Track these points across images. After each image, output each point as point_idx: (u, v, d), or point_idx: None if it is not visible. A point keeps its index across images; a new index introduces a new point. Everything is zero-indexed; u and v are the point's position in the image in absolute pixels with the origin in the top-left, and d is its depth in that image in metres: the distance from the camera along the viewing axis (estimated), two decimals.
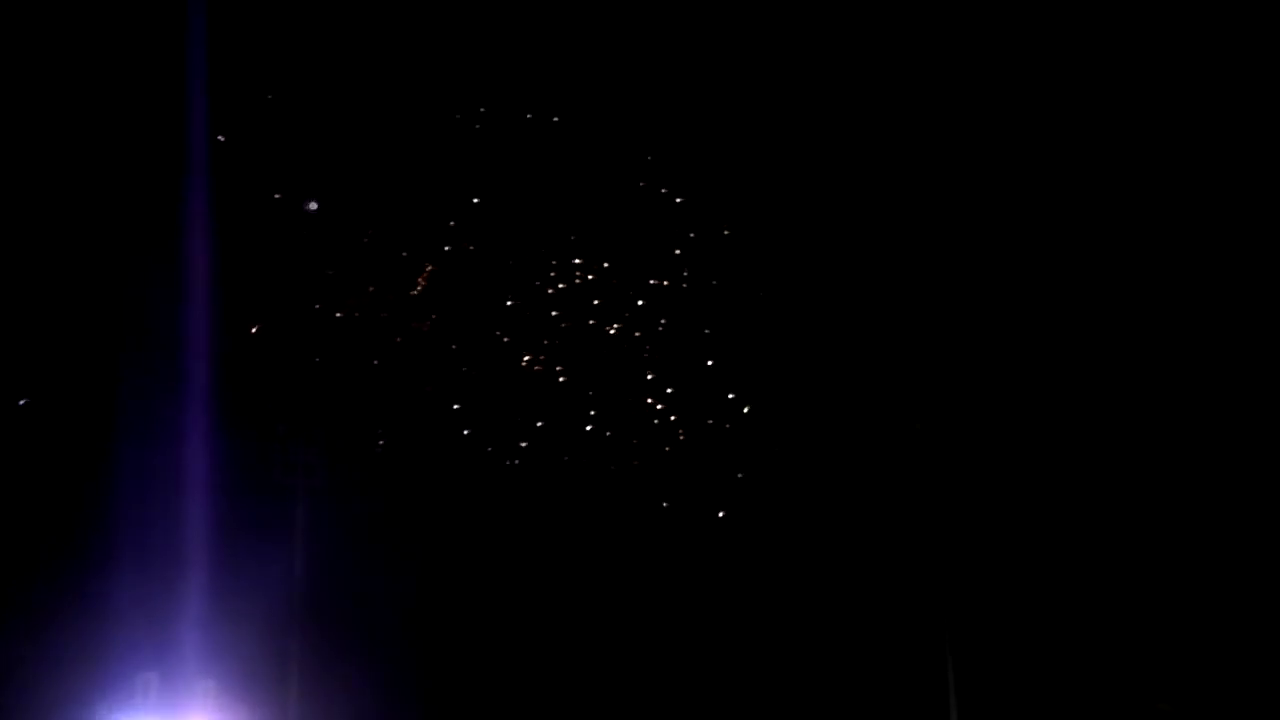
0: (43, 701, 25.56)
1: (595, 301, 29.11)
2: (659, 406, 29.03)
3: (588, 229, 29.14)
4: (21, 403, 26.96)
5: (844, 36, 28.39)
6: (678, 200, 29.32)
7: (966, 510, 28.74)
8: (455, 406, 28.84)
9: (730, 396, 29.16)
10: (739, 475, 29.05)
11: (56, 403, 27.61)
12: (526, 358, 28.77)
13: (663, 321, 29.39)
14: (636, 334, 29.41)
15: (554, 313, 29.02)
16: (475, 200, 28.72)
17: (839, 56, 28.50)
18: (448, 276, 28.66)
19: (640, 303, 29.27)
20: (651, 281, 29.39)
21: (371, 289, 28.63)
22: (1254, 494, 27.78)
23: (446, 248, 28.71)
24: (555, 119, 28.75)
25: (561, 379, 28.93)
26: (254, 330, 28.25)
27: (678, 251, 29.40)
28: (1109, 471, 28.47)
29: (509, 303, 28.82)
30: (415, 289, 27.89)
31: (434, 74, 28.30)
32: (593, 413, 28.92)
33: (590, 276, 29.30)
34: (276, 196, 27.93)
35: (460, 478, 29.08)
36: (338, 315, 28.61)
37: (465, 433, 28.90)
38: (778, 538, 29.40)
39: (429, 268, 27.36)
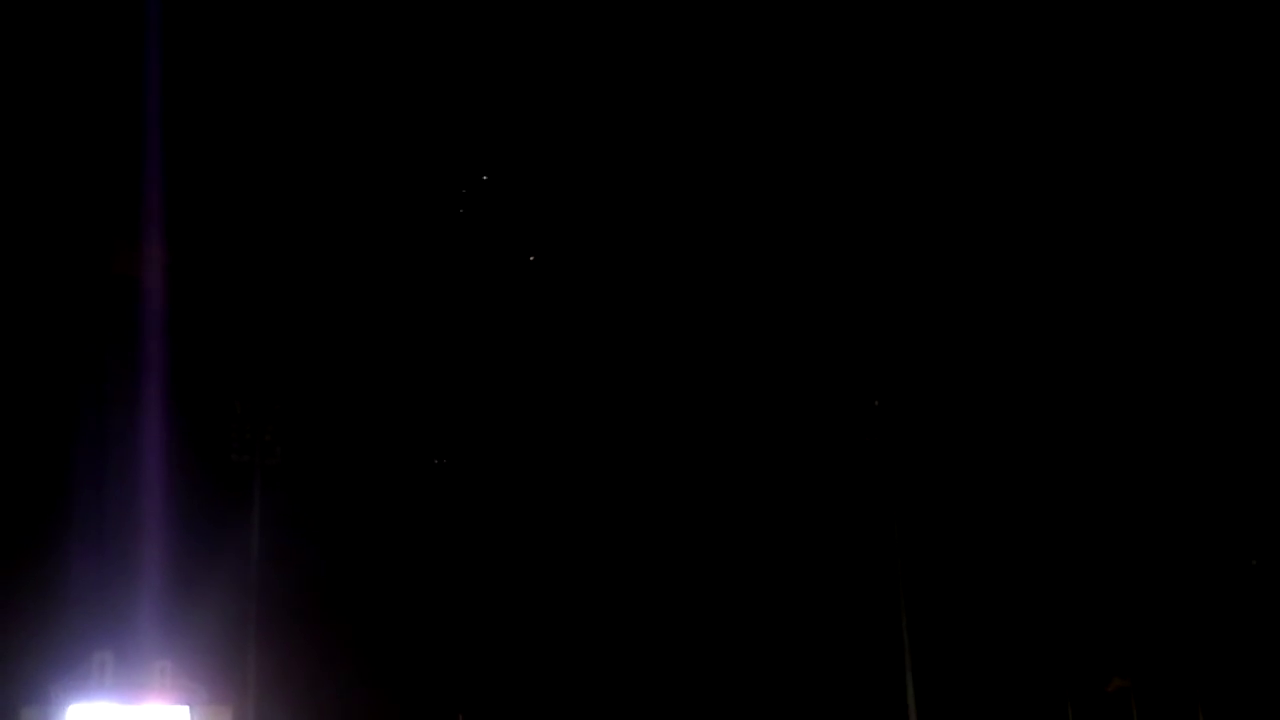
0: None
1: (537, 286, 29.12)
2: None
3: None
4: None
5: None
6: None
7: (923, 486, 28.94)
8: (410, 388, 28.79)
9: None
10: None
11: (11, 385, 27.39)
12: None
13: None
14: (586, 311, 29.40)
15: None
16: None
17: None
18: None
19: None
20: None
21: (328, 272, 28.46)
22: (1196, 473, 28.14)
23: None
24: None
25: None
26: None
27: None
28: (1058, 451, 28.73)
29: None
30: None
31: None
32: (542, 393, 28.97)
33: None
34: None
35: (416, 457, 29.09)
36: (296, 296, 28.43)
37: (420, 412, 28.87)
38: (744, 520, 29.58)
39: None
